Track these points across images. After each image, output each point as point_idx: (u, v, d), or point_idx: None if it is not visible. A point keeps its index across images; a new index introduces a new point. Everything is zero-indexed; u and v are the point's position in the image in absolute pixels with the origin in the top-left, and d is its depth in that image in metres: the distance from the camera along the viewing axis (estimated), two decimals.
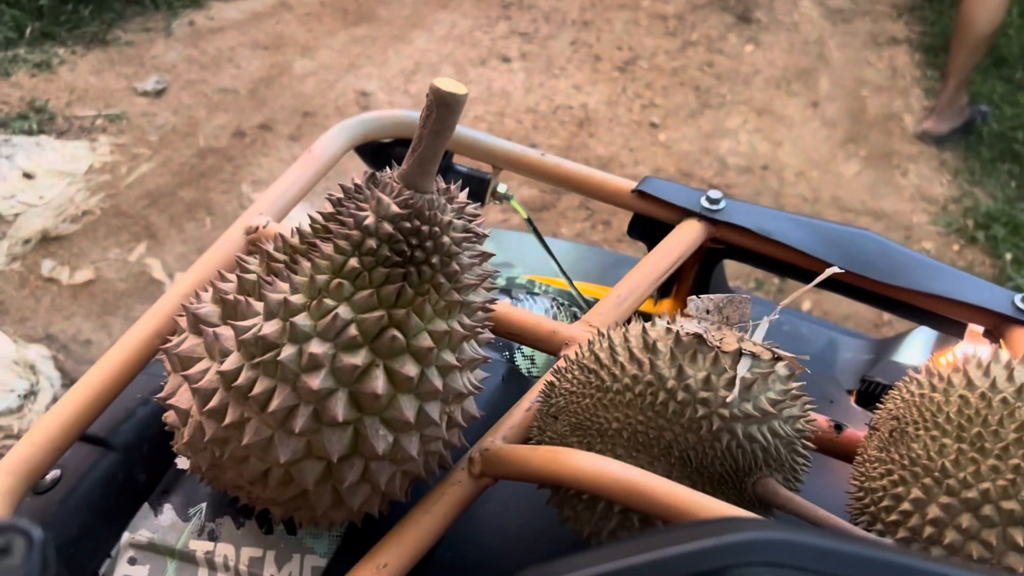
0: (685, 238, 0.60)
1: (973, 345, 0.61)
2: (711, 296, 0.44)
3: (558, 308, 0.72)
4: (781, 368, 0.43)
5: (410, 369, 0.41)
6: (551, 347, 0.54)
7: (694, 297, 0.44)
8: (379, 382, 0.40)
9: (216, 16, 2.89)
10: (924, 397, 0.41)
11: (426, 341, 0.41)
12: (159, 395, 0.45)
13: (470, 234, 0.44)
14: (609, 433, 0.43)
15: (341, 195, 0.44)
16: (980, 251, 2.30)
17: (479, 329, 0.45)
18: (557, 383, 0.46)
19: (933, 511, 0.38)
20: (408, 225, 0.41)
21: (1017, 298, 0.58)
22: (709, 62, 2.99)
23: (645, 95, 2.77)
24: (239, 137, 2.36)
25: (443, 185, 0.44)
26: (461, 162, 0.73)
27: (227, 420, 0.41)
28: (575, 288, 0.73)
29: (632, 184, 0.65)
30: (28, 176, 2.07)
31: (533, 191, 2.29)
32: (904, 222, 2.40)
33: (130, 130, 2.34)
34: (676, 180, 2.75)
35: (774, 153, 2.59)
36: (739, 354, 0.42)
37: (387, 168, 0.44)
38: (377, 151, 0.69)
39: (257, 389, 0.40)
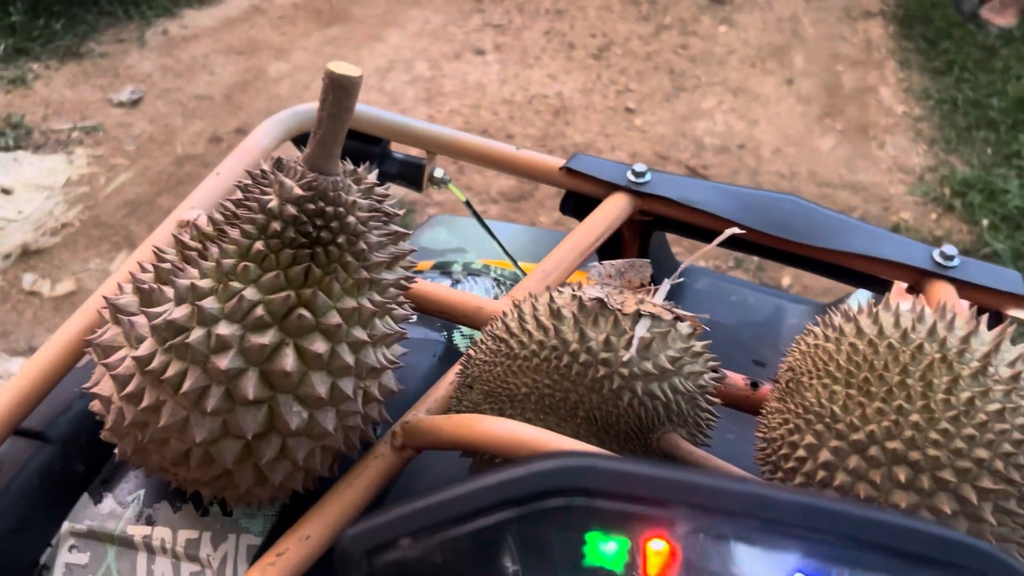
0: (611, 211, 0.62)
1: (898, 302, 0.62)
2: (612, 262, 0.45)
3: (500, 287, 0.73)
4: (683, 327, 0.44)
5: (319, 346, 0.42)
6: (477, 322, 0.55)
7: (595, 264, 0.45)
8: (289, 360, 0.42)
9: (189, 24, 2.90)
10: (818, 347, 0.43)
11: (335, 319, 0.43)
12: (86, 385, 0.46)
13: (378, 213, 0.46)
14: (518, 398, 0.44)
15: (249, 181, 0.45)
16: (957, 218, 2.31)
17: (392, 305, 0.46)
18: (473, 355, 0.47)
19: (824, 455, 0.40)
20: (312, 207, 0.42)
21: (935, 253, 0.59)
22: (683, 45, 3.00)
23: (620, 81, 2.78)
24: (216, 143, 2.37)
25: (350, 167, 0.45)
26: (399, 150, 0.75)
27: (144, 403, 0.42)
28: (518, 267, 0.74)
29: (561, 162, 0.66)
30: (6, 191, 2.09)
31: (511, 181, 2.30)
32: (882, 193, 2.41)
33: (107, 141, 2.35)
34: (654, 164, 2.75)
35: (750, 132, 2.60)
36: (638, 315, 0.43)
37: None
38: None
39: (170, 372, 0.41)
